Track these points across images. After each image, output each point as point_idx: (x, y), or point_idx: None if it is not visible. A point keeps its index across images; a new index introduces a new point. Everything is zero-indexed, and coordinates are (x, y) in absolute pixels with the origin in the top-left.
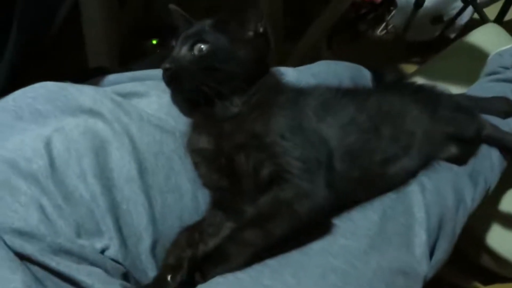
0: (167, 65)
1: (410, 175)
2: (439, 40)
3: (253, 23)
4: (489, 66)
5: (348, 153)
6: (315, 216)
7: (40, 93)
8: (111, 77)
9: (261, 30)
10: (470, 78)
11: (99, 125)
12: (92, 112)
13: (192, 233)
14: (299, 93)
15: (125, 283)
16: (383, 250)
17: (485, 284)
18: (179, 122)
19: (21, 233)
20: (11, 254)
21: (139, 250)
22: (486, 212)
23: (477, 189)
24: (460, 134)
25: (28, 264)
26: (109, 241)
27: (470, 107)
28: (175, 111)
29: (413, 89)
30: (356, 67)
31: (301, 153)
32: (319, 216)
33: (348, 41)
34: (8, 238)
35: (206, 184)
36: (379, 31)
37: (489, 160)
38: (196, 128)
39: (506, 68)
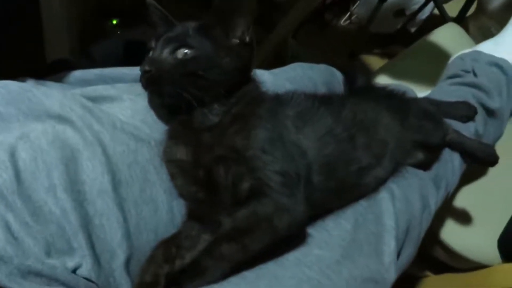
0: (146, 67)
1: (381, 182)
2: (400, 33)
3: (240, 31)
4: (450, 69)
5: (325, 165)
6: (294, 230)
7: (0, 93)
8: (77, 74)
9: (247, 39)
10: (431, 78)
11: (68, 132)
12: (60, 118)
13: (169, 247)
14: (278, 103)
15: None
16: (355, 260)
17: (436, 273)
18: (154, 129)
19: None
20: None
21: (113, 267)
22: (441, 209)
23: (439, 193)
24: (428, 142)
25: None
26: (81, 259)
27: (437, 114)
28: (150, 117)
29: (385, 94)
30: (329, 71)
31: (281, 166)
32: (297, 229)
33: (315, 31)
34: None
35: (182, 195)
36: (343, 21)
37: (451, 164)
38: (172, 137)
39: (467, 71)
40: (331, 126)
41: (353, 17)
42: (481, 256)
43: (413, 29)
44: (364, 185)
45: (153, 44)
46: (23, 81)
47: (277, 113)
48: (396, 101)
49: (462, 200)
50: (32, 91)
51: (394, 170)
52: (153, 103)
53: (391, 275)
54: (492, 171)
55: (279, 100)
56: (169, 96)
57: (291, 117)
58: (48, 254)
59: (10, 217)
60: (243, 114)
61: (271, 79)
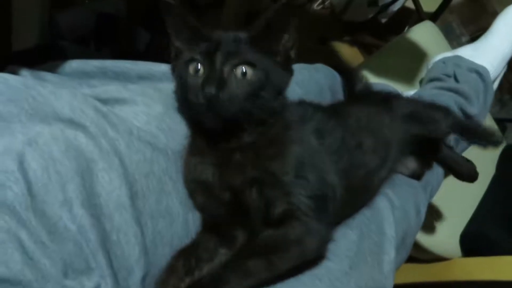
0: (213, 90)
1: (382, 183)
2: (371, 22)
3: (287, 47)
4: (432, 72)
5: (343, 178)
6: (322, 252)
7: None
8: (74, 64)
9: (292, 55)
10: (408, 76)
11: (81, 139)
12: (71, 122)
13: (189, 259)
14: (303, 122)
15: None
16: (361, 270)
17: None
18: (170, 138)
19: (1, 281)
20: None
21: (129, 284)
22: None
23: (427, 200)
24: (431, 133)
25: None
26: (100, 279)
27: (436, 106)
28: (165, 125)
29: (382, 97)
30: (332, 73)
31: (313, 191)
32: (324, 250)
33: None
34: None
35: (199, 209)
36: (316, 5)
37: (436, 171)
38: (197, 154)
39: (449, 76)
40: (343, 138)
41: (326, 2)
42: (443, 250)
43: (383, 20)
44: (371, 188)
45: (198, 56)
46: (17, 73)
47: (304, 134)
48: (392, 101)
49: None
50: (37, 88)
51: (392, 170)
52: (198, 125)
53: (390, 283)
54: None
55: (302, 119)
56: (232, 119)
57: (314, 136)
58: (65, 274)
59: (23, 235)
60: (279, 137)
61: None
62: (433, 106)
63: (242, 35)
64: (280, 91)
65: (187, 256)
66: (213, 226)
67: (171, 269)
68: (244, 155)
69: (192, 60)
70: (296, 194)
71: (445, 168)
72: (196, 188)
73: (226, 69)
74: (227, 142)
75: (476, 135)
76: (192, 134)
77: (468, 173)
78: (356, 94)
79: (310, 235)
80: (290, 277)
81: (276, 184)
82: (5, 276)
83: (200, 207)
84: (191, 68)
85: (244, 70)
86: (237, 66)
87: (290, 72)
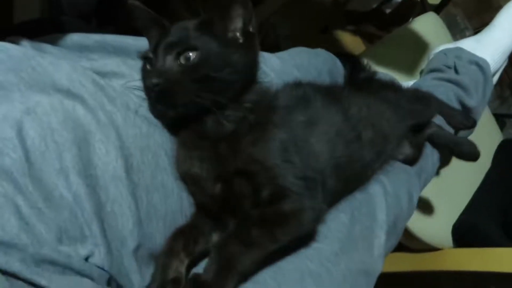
0: (154, 81)
1: (375, 172)
2: (374, 12)
3: (242, 22)
4: (433, 63)
5: (335, 168)
6: (317, 226)
7: None
8: (75, 38)
9: (251, 29)
10: (409, 66)
11: (79, 110)
12: (69, 93)
13: (188, 240)
14: (291, 105)
15: None
16: (351, 253)
17: None
18: None
19: None
20: (3, 280)
21: (122, 254)
22: None
23: (420, 186)
24: (420, 122)
25: (14, 281)
26: (94, 247)
27: (424, 94)
28: None
29: (381, 86)
30: (332, 59)
31: (301, 171)
32: (318, 225)
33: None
34: None
35: (192, 196)
36: None
37: (431, 158)
38: (185, 146)
39: (449, 67)
40: (340, 126)
41: None
42: (435, 240)
43: (387, 10)
44: (365, 177)
45: (150, 53)
46: (18, 44)
47: (291, 118)
48: (390, 91)
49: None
50: (37, 59)
51: (386, 161)
52: (163, 116)
53: (379, 266)
54: (453, 162)
55: (291, 104)
56: (184, 106)
57: (303, 121)
58: (60, 241)
59: (19, 200)
60: (259, 122)
61: (279, 66)
62: (420, 98)
63: (192, 21)
64: (242, 71)
65: (186, 238)
66: (207, 210)
67: (170, 251)
68: (228, 146)
69: (147, 56)
70: (284, 176)
71: (446, 150)
72: (187, 180)
73: (169, 58)
74: (210, 133)
75: (457, 147)
76: (180, 130)
77: (468, 151)
78: (359, 81)
79: (304, 209)
80: (286, 255)
81: (262, 171)
82: (1, 239)
83: (192, 195)
84: (147, 65)
85: (189, 56)
86: (181, 54)
87: (253, 50)
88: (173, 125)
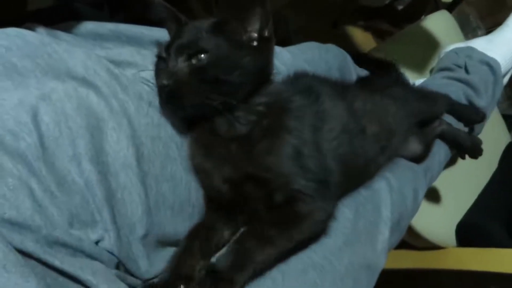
0: (164, 82)
1: (380, 168)
2: (387, 8)
3: (259, 26)
4: (444, 61)
5: (341, 164)
6: (327, 225)
7: (16, 43)
8: (89, 26)
9: (267, 34)
10: (419, 63)
11: (92, 98)
12: (83, 81)
13: (203, 241)
14: (303, 109)
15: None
16: (355, 247)
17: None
18: None
19: (12, 224)
20: (20, 258)
21: (131, 241)
22: None
23: (426, 185)
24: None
25: (28, 260)
26: (104, 233)
27: (431, 91)
28: None
29: (389, 83)
30: (343, 54)
31: (314, 175)
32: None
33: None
34: (6, 232)
35: (204, 189)
36: None
37: (438, 156)
38: (198, 143)
39: (460, 66)
40: (345, 121)
41: None
42: (439, 238)
43: (400, 7)
44: (368, 172)
45: (163, 53)
46: (34, 30)
47: (304, 121)
48: (397, 86)
49: None
50: (53, 46)
51: (391, 157)
52: (173, 117)
53: (382, 262)
54: (460, 162)
55: (303, 101)
56: (192, 107)
57: (315, 121)
58: (71, 224)
59: (33, 183)
60: (272, 127)
61: (290, 60)
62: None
63: (207, 21)
64: (253, 73)
65: (202, 237)
66: (218, 206)
67: (186, 250)
68: (240, 148)
69: (160, 56)
70: (296, 181)
71: (449, 144)
72: (198, 173)
73: (180, 60)
74: (222, 132)
75: (463, 144)
76: (191, 130)
77: (472, 148)
78: (368, 80)
79: (317, 210)
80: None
81: (275, 178)
82: (16, 220)
83: (203, 188)
84: (162, 64)
85: (200, 58)
86: (191, 56)
87: (267, 53)
88: (185, 122)
